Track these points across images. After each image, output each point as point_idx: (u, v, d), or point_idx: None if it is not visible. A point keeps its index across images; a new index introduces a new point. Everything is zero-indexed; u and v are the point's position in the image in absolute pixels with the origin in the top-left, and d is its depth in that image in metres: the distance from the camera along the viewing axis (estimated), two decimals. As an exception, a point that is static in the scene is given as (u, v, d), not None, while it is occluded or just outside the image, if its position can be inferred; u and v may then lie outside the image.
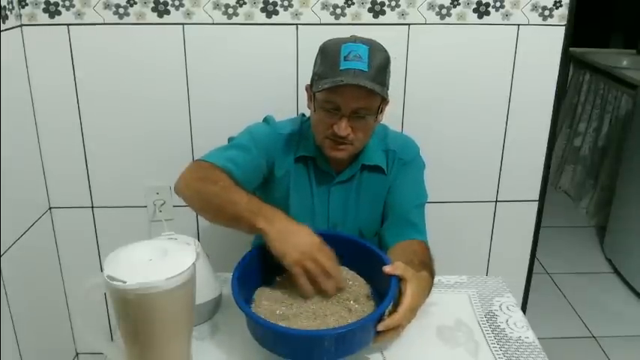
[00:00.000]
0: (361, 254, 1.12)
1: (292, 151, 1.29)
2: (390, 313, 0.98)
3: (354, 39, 1.16)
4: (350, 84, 1.10)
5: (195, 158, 1.22)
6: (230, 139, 1.29)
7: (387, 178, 1.31)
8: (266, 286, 1.10)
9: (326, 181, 1.30)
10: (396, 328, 0.98)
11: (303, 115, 1.38)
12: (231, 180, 1.12)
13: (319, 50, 1.20)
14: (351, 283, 1.09)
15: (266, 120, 1.33)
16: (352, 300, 1.05)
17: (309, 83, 1.24)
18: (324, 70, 1.15)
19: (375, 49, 1.15)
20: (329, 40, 1.20)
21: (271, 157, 1.27)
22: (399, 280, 1.00)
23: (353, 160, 1.29)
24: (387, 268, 1.01)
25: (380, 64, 1.14)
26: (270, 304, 1.04)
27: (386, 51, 1.18)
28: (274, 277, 1.12)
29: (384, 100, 1.20)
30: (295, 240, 1.01)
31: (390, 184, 1.31)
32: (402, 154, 1.31)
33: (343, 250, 1.14)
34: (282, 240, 1.00)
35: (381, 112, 1.22)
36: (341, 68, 1.12)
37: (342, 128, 1.15)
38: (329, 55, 1.15)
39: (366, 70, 1.11)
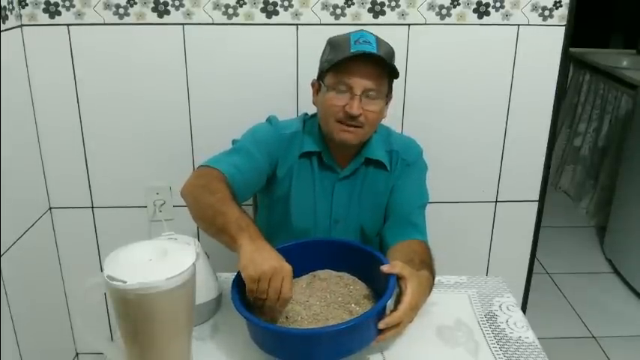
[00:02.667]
0: (361, 258, 1.12)
1: (296, 149, 1.29)
2: (391, 312, 0.98)
3: (361, 30, 1.23)
4: (363, 54, 1.15)
5: (200, 161, 1.22)
6: (234, 142, 1.30)
7: (390, 176, 1.31)
8: None
9: (330, 177, 1.31)
10: (398, 326, 0.98)
11: (306, 114, 1.38)
12: (230, 193, 1.12)
13: (327, 43, 1.25)
14: (352, 287, 1.09)
15: (269, 120, 1.33)
16: (353, 303, 1.05)
17: (315, 78, 1.27)
18: (335, 55, 1.19)
19: (382, 41, 1.22)
20: (336, 35, 1.25)
21: (274, 158, 1.28)
22: (398, 278, 1.00)
23: (356, 154, 1.29)
24: (384, 268, 1.02)
25: (387, 51, 1.21)
26: (272, 310, 1.04)
27: (392, 47, 1.24)
28: None
29: (390, 93, 1.25)
30: (265, 259, 0.96)
31: (392, 183, 1.32)
32: (405, 155, 1.32)
33: (343, 254, 1.14)
34: (251, 255, 0.96)
35: (388, 101, 1.26)
36: (352, 50, 1.16)
37: (355, 107, 1.17)
38: (338, 42, 1.21)
39: (375, 52, 1.17)
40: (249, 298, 0.97)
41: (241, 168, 1.20)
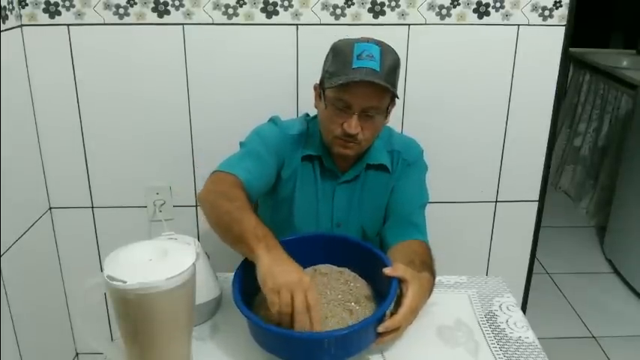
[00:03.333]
0: (363, 256, 1.12)
1: (299, 150, 1.29)
2: (391, 315, 0.98)
3: (367, 39, 1.18)
4: (363, 81, 1.11)
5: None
6: (242, 144, 1.29)
7: (390, 177, 1.31)
8: None
9: (331, 180, 1.31)
10: (397, 330, 0.98)
11: (307, 114, 1.38)
12: (247, 201, 1.11)
13: (331, 49, 1.22)
14: (352, 285, 1.09)
15: (272, 120, 1.33)
16: (353, 302, 1.05)
17: (317, 82, 1.25)
18: (336, 68, 1.16)
19: (387, 50, 1.17)
20: (341, 40, 1.21)
21: (281, 159, 1.28)
22: (400, 281, 1.00)
23: (358, 160, 1.29)
24: (387, 270, 1.01)
25: (391, 65, 1.16)
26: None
27: (396, 53, 1.20)
28: None
29: (392, 102, 1.21)
30: (283, 270, 0.95)
31: (393, 184, 1.32)
32: (406, 155, 1.32)
33: (345, 251, 1.14)
34: (271, 268, 0.96)
35: (389, 113, 1.24)
36: (353, 66, 1.13)
37: (353, 126, 1.16)
38: (341, 53, 1.17)
39: (378, 70, 1.13)
40: (270, 316, 0.95)
41: (255, 173, 1.20)
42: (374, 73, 1.12)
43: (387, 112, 1.22)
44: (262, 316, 1.01)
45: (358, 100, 1.15)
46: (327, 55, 1.22)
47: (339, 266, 1.14)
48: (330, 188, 1.31)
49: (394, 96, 1.19)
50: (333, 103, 1.18)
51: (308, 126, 1.32)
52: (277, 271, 0.95)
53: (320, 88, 1.23)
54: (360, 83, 1.12)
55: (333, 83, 1.14)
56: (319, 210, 1.32)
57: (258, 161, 1.23)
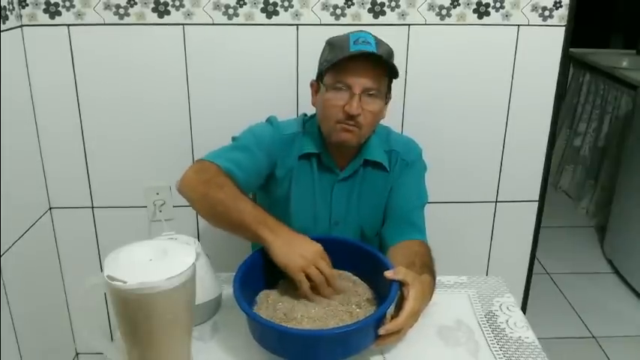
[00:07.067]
0: (364, 259, 1.12)
1: (295, 150, 1.29)
2: (392, 318, 0.98)
3: (360, 30, 1.23)
4: (363, 53, 1.15)
5: (199, 157, 1.22)
6: (233, 139, 1.29)
7: (389, 177, 1.31)
8: (269, 289, 1.10)
9: (329, 179, 1.31)
10: (398, 333, 0.98)
11: (305, 114, 1.38)
12: (235, 186, 1.13)
13: (326, 44, 1.25)
14: (353, 288, 1.09)
15: (269, 120, 1.33)
16: (354, 304, 1.05)
17: (313, 79, 1.26)
18: (334, 55, 1.19)
19: (381, 41, 1.22)
20: (335, 36, 1.25)
21: (273, 158, 1.28)
22: (401, 284, 1.00)
23: (356, 155, 1.29)
24: (388, 273, 1.01)
25: (387, 51, 1.21)
26: (272, 306, 1.04)
27: (390, 47, 1.24)
28: (277, 280, 1.11)
29: (389, 95, 1.24)
30: (298, 249, 1.03)
31: (391, 183, 1.32)
32: (405, 155, 1.32)
33: (346, 254, 1.14)
34: (286, 249, 1.03)
35: (388, 100, 1.26)
36: (351, 49, 1.17)
37: (355, 106, 1.17)
38: (338, 42, 1.21)
39: (376, 51, 1.17)
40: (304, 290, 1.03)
41: (241, 165, 1.20)
42: (371, 53, 1.16)
43: (386, 99, 1.24)
44: (264, 313, 1.01)
45: (358, 79, 1.17)
46: (323, 49, 1.25)
47: (340, 269, 1.14)
48: (328, 186, 1.31)
49: (390, 80, 1.23)
50: (333, 87, 1.19)
51: (305, 125, 1.32)
52: (292, 250, 1.02)
53: (317, 81, 1.25)
54: (359, 61, 1.15)
55: (332, 62, 1.17)
56: (317, 208, 1.31)
57: (247, 154, 1.23)
